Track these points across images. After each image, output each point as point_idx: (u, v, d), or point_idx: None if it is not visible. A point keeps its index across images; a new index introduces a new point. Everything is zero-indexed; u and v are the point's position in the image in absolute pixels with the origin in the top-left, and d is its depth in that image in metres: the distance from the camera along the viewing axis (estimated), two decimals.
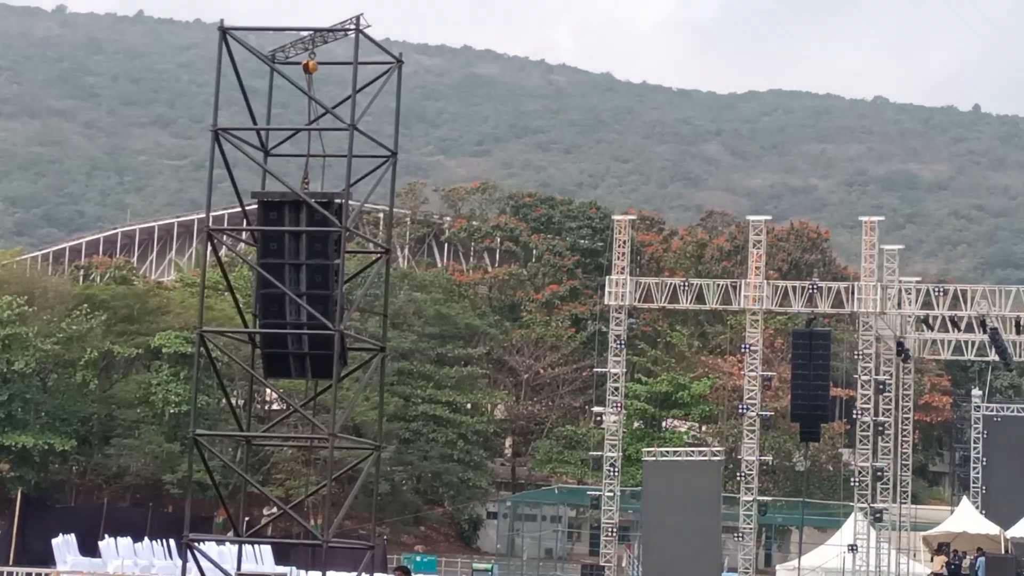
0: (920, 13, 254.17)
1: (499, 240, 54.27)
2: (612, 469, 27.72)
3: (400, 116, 11.43)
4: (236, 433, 13.67)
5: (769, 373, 29.05)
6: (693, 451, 29.97)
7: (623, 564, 34.19)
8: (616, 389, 28.19)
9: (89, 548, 21.68)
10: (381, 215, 44.89)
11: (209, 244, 12.60)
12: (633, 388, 39.01)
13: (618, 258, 28.17)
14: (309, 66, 11.12)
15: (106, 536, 21.73)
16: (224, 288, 20.96)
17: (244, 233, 13.26)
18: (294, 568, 18.02)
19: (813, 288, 27.30)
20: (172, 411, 33.05)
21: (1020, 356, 29.15)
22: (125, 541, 21.45)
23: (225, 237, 19.00)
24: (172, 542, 20.96)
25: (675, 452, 29.62)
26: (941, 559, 25.35)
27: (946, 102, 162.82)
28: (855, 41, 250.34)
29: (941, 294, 26.98)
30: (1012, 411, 32.11)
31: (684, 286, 28.72)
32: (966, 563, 24.12)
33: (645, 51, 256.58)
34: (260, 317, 11.26)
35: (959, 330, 27.94)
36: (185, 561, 11.43)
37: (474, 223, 54.15)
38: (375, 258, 13.17)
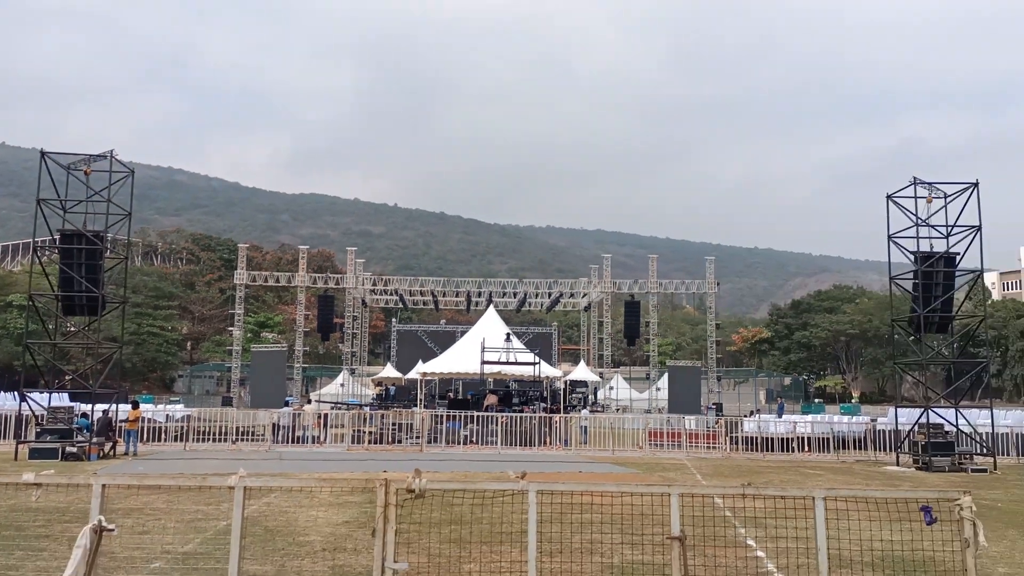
0: None
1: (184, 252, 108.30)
2: None
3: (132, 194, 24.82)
4: (48, 342, 26.33)
5: None
6: None
7: None
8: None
9: None
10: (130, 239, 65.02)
11: (35, 253, 25.08)
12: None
13: None
14: (86, 171, 24.10)
15: None
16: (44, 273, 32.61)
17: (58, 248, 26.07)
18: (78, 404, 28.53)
19: None
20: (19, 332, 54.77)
21: (411, 305, 49.36)
22: None
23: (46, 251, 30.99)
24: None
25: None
26: (379, 388, 44.54)
27: (381, 200, 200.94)
28: None
29: (380, 280, 44.30)
30: (407, 328, 54.32)
31: None
32: (390, 390, 43.03)
33: None
34: (61, 288, 24.12)
35: (387, 295, 48.46)
36: (22, 401, 24.24)
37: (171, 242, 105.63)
38: (120, 260, 26.37)
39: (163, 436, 27.33)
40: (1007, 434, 26.09)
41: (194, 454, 23.65)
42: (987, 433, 23.74)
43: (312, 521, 11.38)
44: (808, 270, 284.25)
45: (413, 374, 45.00)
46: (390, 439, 27.26)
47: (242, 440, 27.00)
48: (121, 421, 25.10)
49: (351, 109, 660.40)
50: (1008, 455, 25.19)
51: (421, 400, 36.16)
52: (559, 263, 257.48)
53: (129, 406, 26.11)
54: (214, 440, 26.69)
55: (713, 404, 49.52)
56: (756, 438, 27.44)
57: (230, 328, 60.84)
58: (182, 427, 27.53)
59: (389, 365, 58.77)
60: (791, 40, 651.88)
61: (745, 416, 37.14)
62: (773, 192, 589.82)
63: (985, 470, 21.05)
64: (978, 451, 22.79)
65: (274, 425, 27.23)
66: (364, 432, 27.11)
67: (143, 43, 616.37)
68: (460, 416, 27.90)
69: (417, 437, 27.46)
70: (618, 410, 56.80)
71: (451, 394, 41.61)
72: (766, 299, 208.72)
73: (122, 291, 27.09)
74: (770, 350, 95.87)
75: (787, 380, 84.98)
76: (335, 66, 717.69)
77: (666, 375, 53.13)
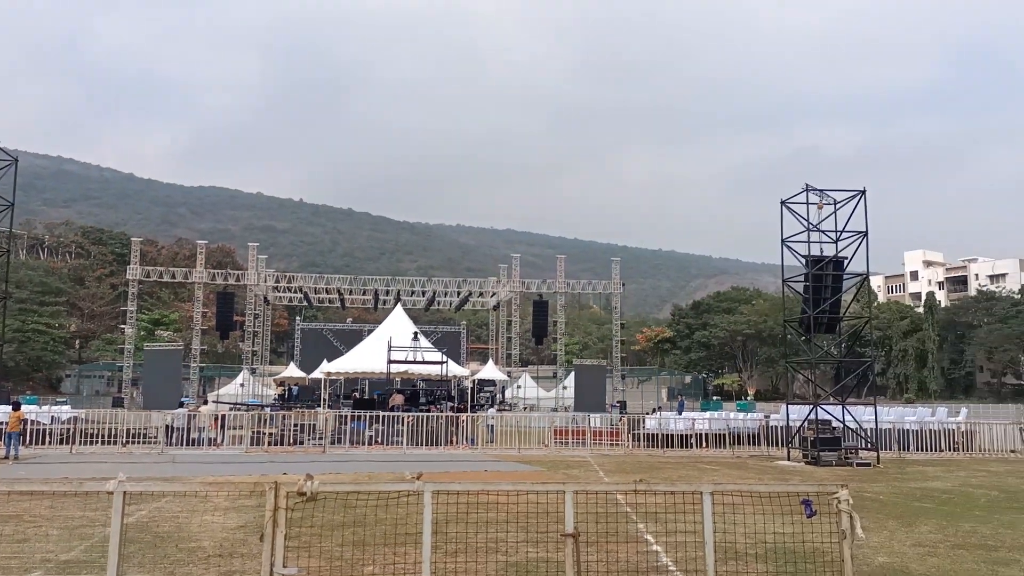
0: None
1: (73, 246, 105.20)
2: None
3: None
4: None
5: None
6: None
7: None
8: None
9: None
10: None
11: None
12: None
13: None
14: None
15: None
16: None
17: None
18: None
19: None
20: None
21: (317, 303, 53.22)
22: None
23: None
24: None
25: None
26: (281, 388, 44.95)
27: (287, 195, 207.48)
28: None
29: (284, 277, 46.57)
30: (312, 326, 55.65)
31: None
32: (293, 389, 43.33)
33: None
34: None
35: (291, 292, 52.61)
36: None
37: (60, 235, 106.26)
38: (1, 254, 24.76)
39: (48, 439, 25.84)
40: (889, 430, 27.65)
41: (81, 457, 22.44)
42: (871, 429, 25.10)
43: (204, 526, 10.97)
44: (708, 272, 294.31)
45: (317, 374, 44.22)
46: (291, 440, 26.61)
47: (133, 443, 25.81)
48: (1, 423, 23.59)
49: (255, 99, 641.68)
50: (890, 449, 26.70)
51: (325, 400, 35.51)
52: (469, 262, 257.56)
53: (10, 407, 24.58)
54: (103, 443, 25.41)
55: (617, 402, 50.53)
56: (657, 435, 28.14)
57: (122, 326, 59.34)
58: (68, 429, 26.10)
59: (292, 364, 57.57)
60: (696, 50, 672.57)
61: (647, 414, 38.06)
62: (678, 196, 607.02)
63: (869, 464, 22.24)
64: (863, 446, 24.07)
65: (167, 427, 26.15)
66: (264, 434, 26.36)
67: (33, 26, 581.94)
68: (365, 416, 27.50)
69: (320, 438, 26.90)
70: (525, 409, 57.22)
71: (356, 394, 40.94)
72: (669, 300, 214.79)
73: (3, 286, 25.44)
74: (672, 349, 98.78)
75: (687, 378, 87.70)
76: (240, 54, 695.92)
77: (572, 374, 53.90)
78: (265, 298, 60.32)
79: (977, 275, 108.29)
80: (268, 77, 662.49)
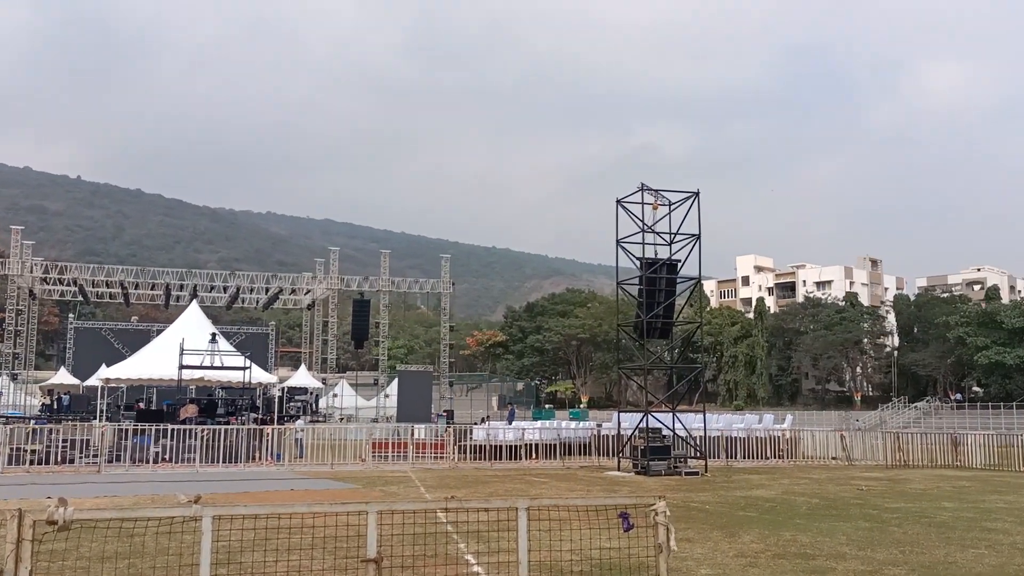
0: None
1: None
2: None
3: None
4: None
5: None
6: None
7: None
8: None
9: None
10: None
11: None
12: None
13: None
14: None
15: None
16: None
17: None
18: None
19: None
20: None
21: (94, 298, 51.62)
22: None
23: None
24: None
25: None
26: (49, 397, 43.02)
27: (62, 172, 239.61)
28: None
29: (54, 267, 46.96)
30: (88, 325, 52.95)
31: None
32: (63, 398, 41.84)
33: None
34: None
35: (63, 284, 50.80)
36: None
37: None
38: None
39: None
40: (718, 437, 29.70)
41: None
42: (700, 437, 26.83)
43: None
44: (543, 272, 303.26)
45: (94, 380, 41.61)
46: (60, 459, 24.68)
47: None
48: None
49: (23, 56, 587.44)
50: (718, 457, 28.66)
51: (103, 411, 33.35)
52: (280, 255, 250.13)
53: None
54: None
55: (444, 411, 50.93)
56: (485, 446, 28.58)
57: None
58: None
59: (63, 370, 53.90)
60: (530, 35, 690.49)
61: (475, 424, 38.55)
62: (513, 191, 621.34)
63: (698, 473, 23.76)
64: (692, 454, 25.68)
65: None
66: (25, 451, 24.26)
67: None
68: (151, 430, 26.01)
69: (95, 455, 25.14)
70: (342, 419, 56.36)
71: (140, 404, 38.81)
72: (502, 301, 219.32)
73: None
74: (504, 354, 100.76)
75: (520, 385, 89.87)
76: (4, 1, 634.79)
77: (396, 381, 53.73)
78: (31, 291, 55.75)
79: (805, 281, 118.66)
80: (39, 27, 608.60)
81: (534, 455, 28.32)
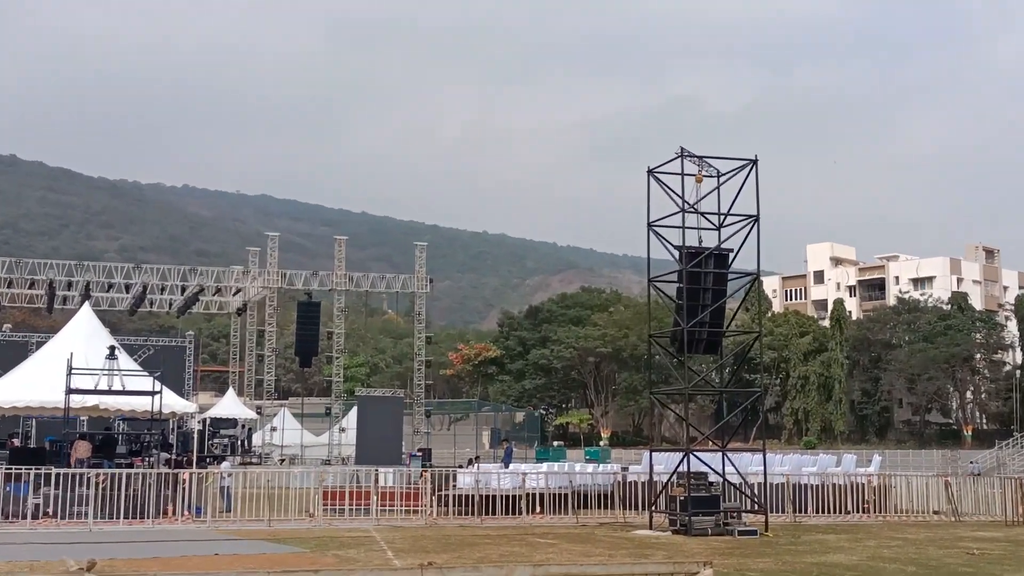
0: None
1: None
2: None
3: None
4: None
5: None
6: None
7: None
8: None
9: None
10: None
11: None
12: None
13: None
14: None
15: None
16: None
17: None
18: None
19: None
20: None
21: None
22: None
23: None
24: None
25: None
26: None
27: None
28: None
29: None
30: None
31: None
32: None
33: None
34: None
35: None
36: None
37: None
38: None
39: None
40: (782, 484, 29.74)
41: None
42: (759, 484, 26.87)
43: None
44: (552, 266, 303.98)
45: None
46: None
47: None
48: None
49: None
50: (783, 511, 28.70)
51: None
52: (201, 242, 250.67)
53: None
54: None
55: (419, 450, 51.02)
56: (473, 496, 28.61)
57: None
58: None
59: None
60: None
61: (461, 466, 38.52)
62: (509, 159, 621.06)
63: (755, 532, 23.77)
64: (748, 507, 25.72)
65: None
66: None
67: None
68: (29, 475, 26.06)
69: None
70: (282, 461, 56.47)
71: (15, 440, 38.75)
72: (496, 304, 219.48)
73: None
74: (499, 374, 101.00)
75: (520, 416, 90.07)
76: None
77: (355, 409, 53.79)
78: None
79: (897, 278, 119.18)
80: None
81: (538, 508, 28.33)
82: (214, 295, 63.09)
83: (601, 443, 79.79)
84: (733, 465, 25.96)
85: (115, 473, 26.48)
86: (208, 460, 45.31)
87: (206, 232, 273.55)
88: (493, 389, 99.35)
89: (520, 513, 28.03)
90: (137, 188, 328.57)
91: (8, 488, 26.05)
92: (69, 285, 57.36)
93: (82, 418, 39.64)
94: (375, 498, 27.95)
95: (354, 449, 48.79)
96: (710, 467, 25.42)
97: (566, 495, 28.68)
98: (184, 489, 27.32)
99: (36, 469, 26.52)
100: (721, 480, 25.21)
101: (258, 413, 59.94)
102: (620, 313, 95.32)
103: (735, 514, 24.70)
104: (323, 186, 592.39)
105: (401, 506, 28.27)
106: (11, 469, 27.00)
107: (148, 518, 25.64)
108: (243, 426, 58.86)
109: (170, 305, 63.45)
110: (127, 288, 59.22)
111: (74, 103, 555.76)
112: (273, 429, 61.20)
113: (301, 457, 59.26)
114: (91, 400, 31.26)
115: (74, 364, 29.80)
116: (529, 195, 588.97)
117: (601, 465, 38.55)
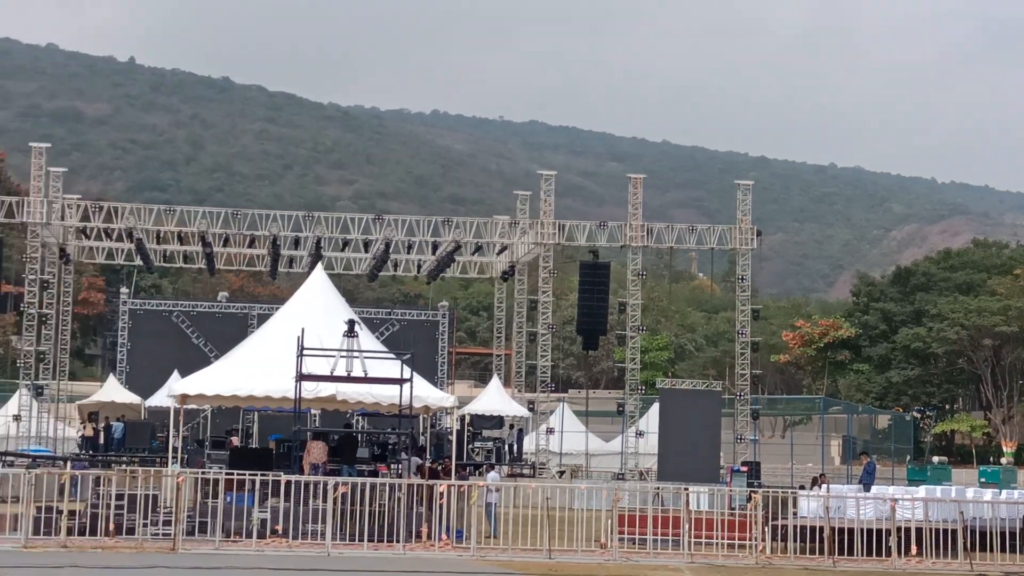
0: None
1: None
2: None
3: None
4: None
5: None
6: None
7: None
8: None
9: None
10: None
11: None
12: None
13: None
14: None
15: None
16: None
17: None
18: None
19: None
20: None
21: (159, 261, 64.49)
22: None
23: None
24: None
25: None
26: (91, 425, 52.32)
27: (107, 52, 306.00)
28: None
29: (98, 209, 57.68)
30: (152, 305, 69.76)
31: None
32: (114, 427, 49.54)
33: None
34: None
35: (112, 239, 60.88)
36: None
37: None
38: None
39: None
40: None
41: None
42: None
43: None
44: (930, 210, 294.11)
45: (161, 397, 44.42)
46: (113, 527, 26.84)
47: None
48: None
49: None
50: None
51: (177, 449, 35.68)
52: (455, 185, 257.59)
53: None
54: None
55: (743, 465, 50.75)
56: (820, 529, 28.31)
57: None
58: None
59: (112, 379, 57.89)
60: None
61: (802, 487, 38.09)
62: (854, 61, 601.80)
63: None
64: None
65: None
66: (61, 512, 26.59)
67: None
68: (255, 483, 27.66)
69: (167, 522, 27.10)
70: (562, 473, 57.43)
71: (235, 439, 41.12)
72: (848, 264, 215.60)
73: None
74: (854, 361, 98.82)
75: (884, 420, 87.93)
76: None
77: (655, 407, 54.03)
78: (62, 250, 60.16)
79: None
80: None
81: (913, 548, 27.72)
82: (473, 254, 64.53)
83: (1003, 460, 76.66)
84: None
85: (358, 483, 27.51)
86: (468, 469, 46.06)
87: (462, 172, 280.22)
88: (845, 382, 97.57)
89: (887, 554, 27.51)
90: (375, 116, 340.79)
91: (229, 499, 27.55)
92: (296, 242, 59.40)
93: (313, 411, 40.74)
94: (686, 526, 28.03)
95: (655, 460, 49.08)
96: None
97: (954, 531, 27.93)
98: (441, 506, 28.13)
99: (262, 475, 27.88)
100: None
101: (530, 410, 61.06)
102: None
103: None
104: (611, 108, 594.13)
105: (722, 538, 28.26)
106: (234, 474, 28.36)
107: (397, 541, 26.60)
108: (511, 426, 59.84)
109: (418, 267, 65.46)
110: (365, 246, 60.99)
111: (296, 14, 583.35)
112: (550, 431, 62.05)
113: (586, 469, 59.98)
114: (327, 389, 32.11)
115: (305, 344, 30.56)
116: (892, 111, 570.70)
117: (1004, 492, 37.23)
